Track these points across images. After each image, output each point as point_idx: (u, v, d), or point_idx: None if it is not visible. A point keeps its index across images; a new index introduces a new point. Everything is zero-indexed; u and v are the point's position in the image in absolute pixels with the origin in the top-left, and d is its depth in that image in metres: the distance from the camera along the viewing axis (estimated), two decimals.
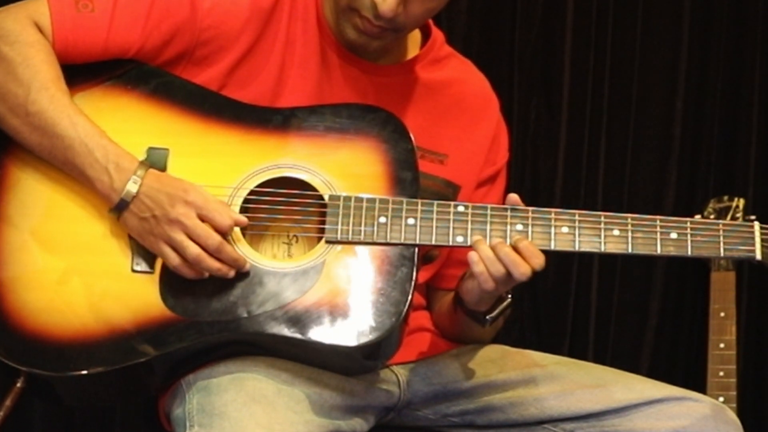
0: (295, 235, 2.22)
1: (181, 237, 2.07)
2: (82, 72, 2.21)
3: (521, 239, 2.11)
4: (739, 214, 3.44)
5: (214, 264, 2.08)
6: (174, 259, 2.09)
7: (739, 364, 3.37)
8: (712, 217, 3.45)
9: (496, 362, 2.36)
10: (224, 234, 2.09)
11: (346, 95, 2.29)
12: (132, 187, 2.09)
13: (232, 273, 2.10)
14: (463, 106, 2.42)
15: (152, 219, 2.09)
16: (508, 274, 2.09)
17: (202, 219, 2.08)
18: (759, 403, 3.66)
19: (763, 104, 3.69)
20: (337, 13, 2.25)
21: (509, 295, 2.24)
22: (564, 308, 3.62)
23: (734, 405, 3.27)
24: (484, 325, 2.27)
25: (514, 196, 2.16)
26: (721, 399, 3.27)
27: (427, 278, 2.40)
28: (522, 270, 2.09)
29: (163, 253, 2.09)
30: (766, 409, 3.68)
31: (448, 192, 2.35)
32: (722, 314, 3.40)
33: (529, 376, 2.32)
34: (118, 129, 2.16)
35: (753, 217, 3.38)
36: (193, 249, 2.07)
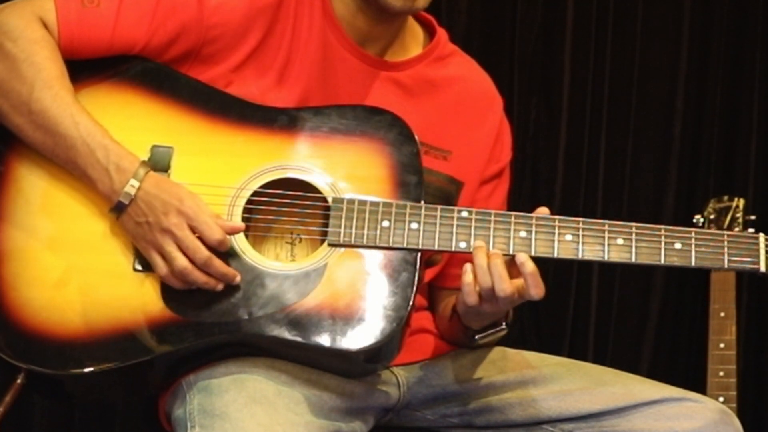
0: (298, 236, 2.21)
1: (171, 248, 2.07)
2: (86, 68, 2.19)
3: (528, 262, 2.07)
4: (739, 214, 3.44)
5: (200, 277, 2.08)
6: (162, 268, 2.08)
7: (739, 364, 3.37)
8: (712, 217, 3.45)
9: (496, 363, 2.35)
10: (214, 247, 2.08)
11: (350, 89, 2.28)
12: (130, 190, 2.08)
13: (219, 287, 2.09)
14: (467, 104, 2.42)
15: (146, 225, 2.08)
16: (492, 290, 2.07)
17: (193, 230, 2.08)
18: (759, 403, 3.67)
19: (763, 104, 3.69)
20: None
21: (504, 324, 2.24)
22: (564, 308, 3.63)
23: (734, 405, 3.27)
24: (471, 344, 2.28)
25: (543, 210, 2.14)
26: (721, 399, 3.27)
27: (430, 277, 2.38)
28: (503, 286, 2.06)
29: (153, 260, 2.09)
30: (766, 409, 3.68)
31: (451, 188, 2.35)
32: (722, 314, 3.40)
33: (527, 377, 2.31)
34: (123, 126, 2.15)
35: (753, 218, 3.39)
36: (180, 261, 2.07)
